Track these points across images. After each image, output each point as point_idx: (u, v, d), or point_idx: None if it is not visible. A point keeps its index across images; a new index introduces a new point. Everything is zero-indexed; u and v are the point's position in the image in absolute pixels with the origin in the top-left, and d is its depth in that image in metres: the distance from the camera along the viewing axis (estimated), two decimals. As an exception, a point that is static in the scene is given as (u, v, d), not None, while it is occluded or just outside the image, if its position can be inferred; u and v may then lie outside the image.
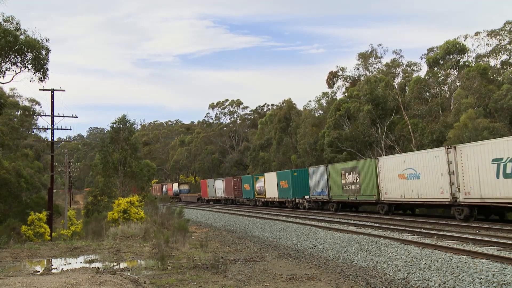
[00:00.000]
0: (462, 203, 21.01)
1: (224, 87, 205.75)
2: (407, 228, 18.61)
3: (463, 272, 10.51)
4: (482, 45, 41.81)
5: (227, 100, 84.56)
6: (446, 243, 14.33)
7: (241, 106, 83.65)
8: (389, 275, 12.01)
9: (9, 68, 22.09)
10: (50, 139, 32.72)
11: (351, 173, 30.37)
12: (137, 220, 26.29)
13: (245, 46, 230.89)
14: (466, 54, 40.73)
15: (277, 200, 41.29)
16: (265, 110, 79.09)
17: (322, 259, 15.01)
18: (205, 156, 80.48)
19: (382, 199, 27.26)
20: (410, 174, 24.68)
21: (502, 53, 41.05)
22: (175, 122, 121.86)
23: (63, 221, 40.74)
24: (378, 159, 28.34)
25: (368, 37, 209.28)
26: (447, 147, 22.34)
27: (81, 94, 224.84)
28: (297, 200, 37.82)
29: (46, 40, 22.38)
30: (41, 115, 42.14)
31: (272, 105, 77.71)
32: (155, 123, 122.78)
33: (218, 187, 56.93)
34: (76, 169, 79.97)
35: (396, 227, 19.27)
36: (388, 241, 15.28)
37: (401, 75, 46.87)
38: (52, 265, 15.04)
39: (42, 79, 22.93)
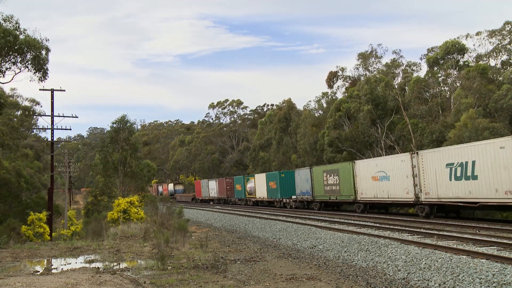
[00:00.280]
0: (424, 202, 23.66)
1: (224, 87, 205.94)
2: (407, 228, 18.61)
3: (463, 272, 10.51)
4: (483, 45, 41.90)
5: (227, 100, 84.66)
6: (446, 243, 14.33)
7: (241, 106, 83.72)
8: (389, 275, 12.01)
9: (9, 68, 22.11)
10: (50, 139, 32.73)
11: (332, 175, 32.61)
12: (137, 220, 26.29)
13: (245, 46, 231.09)
14: (466, 54, 40.74)
15: (266, 200, 43.38)
16: (265, 110, 79.10)
17: (322, 259, 15.00)
18: (205, 156, 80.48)
19: (359, 199, 29.65)
20: (381, 176, 27.11)
21: (503, 53, 41.06)
22: (175, 122, 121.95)
23: (63, 221, 40.74)
24: (355, 162, 30.60)
25: (368, 37, 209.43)
26: (411, 152, 25.04)
27: (81, 94, 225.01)
28: (284, 200, 39.87)
29: (46, 40, 22.41)
30: (41, 115, 42.10)
31: (272, 105, 77.78)
32: (155, 123, 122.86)
33: (212, 188, 58.68)
34: (76, 169, 80.00)
35: (396, 227, 19.27)
36: (388, 241, 15.28)
37: (401, 75, 46.90)
38: (52, 265, 15.04)
39: (42, 79, 22.95)
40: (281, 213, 32.65)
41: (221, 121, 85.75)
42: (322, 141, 44.89)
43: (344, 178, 31.01)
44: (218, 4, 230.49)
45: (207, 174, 79.98)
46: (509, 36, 40.40)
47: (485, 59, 41.58)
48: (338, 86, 53.99)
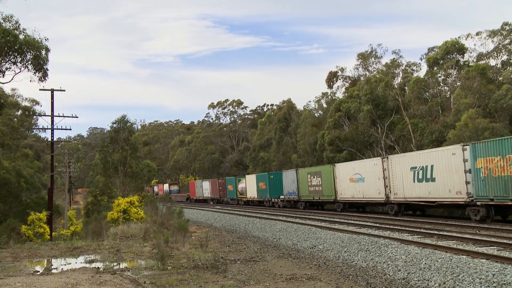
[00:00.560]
0: (393, 202, 26.18)
1: (224, 87, 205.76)
2: (407, 228, 18.62)
3: (463, 272, 10.51)
4: (485, 44, 41.95)
5: (227, 100, 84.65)
6: (446, 243, 14.32)
7: (241, 106, 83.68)
8: (389, 275, 12.01)
9: (9, 68, 22.09)
10: (50, 139, 32.71)
11: (315, 176, 34.89)
12: (137, 220, 26.30)
13: (245, 46, 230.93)
14: (466, 54, 40.74)
15: (256, 199, 45.45)
16: (265, 110, 79.06)
17: (322, 259, 15.00)
18: (205, 156, 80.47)
19: (338, 198, 31.94)
20: (357, 178, 29.56)
21: (503, 53, 41.07)
22: (175, 122, 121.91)
23: (63, 221, 40.74)
24: (335, 165, 32.96)
25: (368, 37, 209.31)
26: (382, 157, 27.64)
27: (81, 94, 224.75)
28: (273, 200, 42.13)
29: (45, 39, 22.38)
30: (41, 115, 41.99)
31: (272, 105, 77.74)
32: (155, 123, 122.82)
33: (205, 188, 60.88)
34: (76, 169, 79.99)
35: (396, 227, 19.28)
36: (388, 241, 15.28)
37: (400, 75, 46.88)
38: (52, 265, 15.04)
39: (42, 79, 22.93)
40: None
41: (221, 121, 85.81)
42: (321, 141, 44.91)
43: (326, 179, 33.27)
44: (218, 4, 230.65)
45: (207, 174, 79.99)
46: (509, 36, 40.40)
47: (486, 59, 41.59)
48: (338, 86, 54.01)
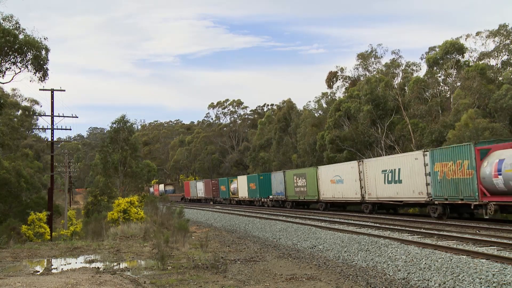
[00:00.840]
0: (367, 201, 28.61)
1: (224, 87, 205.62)
2: (407, 228, 18.62)
3: (463, 272, 10.51)
4: (486, 44, 41.95)
5: (227, 100, 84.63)
6: (446, 243, 14.32)
7: (241, 106, 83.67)
8: (389, 275, 12.01)
9: (9, 68, 22.09)
10: (50, 139, 32.71)
11: (300, 178, 37.13)
12: (137, 220, 26.30)
13: (245, 46, 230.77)
14: (465, 54, 40.74)
15: (247, 199, 47.65)
16: (265, 110, 79.02)
17: (322, 259, 15.00)
18: (205, 156, 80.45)
19: (321, 198, 34.23)
20: (337, 180, 31.89)
21: (504, 53, 41.06)
22: (175, 122, 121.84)
23: (63, 221, 40.74)
24: (318, 168, 35.23)
25: (368, 37, 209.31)
26: (358, 161, 30.23)
27: (81, 94, 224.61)
28: (262, 199, 44.32)
29: (45, 38, 22.37)
30: (41, 115, 41.99)
31: (272, 105, 77.69)
32: (155, 123, 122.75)
33: (199, 188, 63.22)
34: (76, 169, 79.95)
35: (396, 227, 19.27)
36: (388, 241, 15.27)
37: (400, 75, 46.87)
38: (52, 265, 15.05)
39: (42, 79, 22.94)
40: (281, 213, 32.71)
41: (221, 121, 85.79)
42: (321, 142, 44.94)
43: (310, 181, 35.45)
44: (218, 4, 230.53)
45: (207, 174, 79.98)
46: (510, 37, 40.39)
47: (487, 58, 41.58)
48: (338, 86, 54.00)
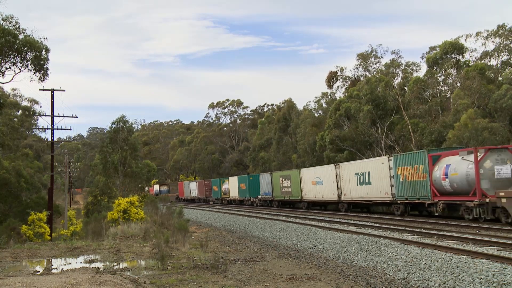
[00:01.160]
0: (343, 201, 31.26)
1: (224, 87, 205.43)
2: (407, 228, 18.61)
3: (463, 272, 10.51)
4: (486, 44, 41.95)
5: (227, 100, 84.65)
6: (446, 243, 14.32)
7: (241, 106, 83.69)
8: (389, 275, 12.01)
9: (9, 68, 22.08)
10: (50, 139, 32.70)
11: (286, 179, 39.72)
12: (137, 220, 26.30)
13: (245, 46, 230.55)
14: (465, 54, 40.74)
15: (238, 199, 50.24)
16: (265, 110, 79.06)
17: (322, 259, 15.00)
18: (205, 156, 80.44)
19: (304, 198, 36.91)
20: (318, 181, 34.40)
21: (504, 53, 41.04)
22: (175, 122, 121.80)
23: (63, 221, 40.73)
24: (301, 170, 37.89)
25: (368, 37, 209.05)
26: (335, 164, 32.89)
27: (81, 94, 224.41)
28: (251, 199, 46.65)
29: (44, 38, 22.36)
30: (41, 115, 41.93)
31: (272, 105, 77.72)
32: (155, 123, 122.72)
33: (193, 188, 66.21)
34: (76, 169, 79.96)
35: (396, 227, 19.28)
36: (388, 241, 15.27)
37: (400, 75, 46.89)
38: (52, 265, 15.05)
39: (42, 79, 22.93)
40: (281, 213, 32.72)
41: (221, 121, 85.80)
42: (321, 142, 44.96)
43: (294, 182, 37.97)
44: (218, 4, 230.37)
45: (207, 174, 79.99)
46: (510, 37, 40.38)
47: (487, 58, 41.57)
48: (338, 86, 54.04)
